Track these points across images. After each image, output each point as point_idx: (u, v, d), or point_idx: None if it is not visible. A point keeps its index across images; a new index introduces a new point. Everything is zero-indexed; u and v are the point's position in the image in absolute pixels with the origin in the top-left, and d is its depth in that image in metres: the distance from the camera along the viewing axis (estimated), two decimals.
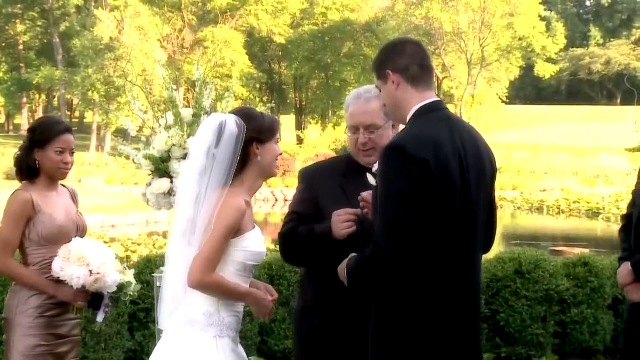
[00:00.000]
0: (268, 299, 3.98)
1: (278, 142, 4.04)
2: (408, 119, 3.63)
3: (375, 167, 3.76)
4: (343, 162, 4.35)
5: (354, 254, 3.67)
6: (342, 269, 3.70)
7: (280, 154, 4.05)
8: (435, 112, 3.64)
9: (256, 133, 3.91)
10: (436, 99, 3.69)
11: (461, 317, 3.60)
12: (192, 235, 3.86)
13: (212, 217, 3.81)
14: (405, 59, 3.65)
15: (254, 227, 3.95)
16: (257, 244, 3.93)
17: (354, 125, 4.17)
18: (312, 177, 4.33)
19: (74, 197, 4.95)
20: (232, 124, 3.88)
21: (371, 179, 3.84)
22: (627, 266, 5.06)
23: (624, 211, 5.48)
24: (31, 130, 4.82)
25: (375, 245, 3.47)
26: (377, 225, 3.50)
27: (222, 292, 3.85)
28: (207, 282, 3.80)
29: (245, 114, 3.95)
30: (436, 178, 3.44)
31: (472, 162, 3.62)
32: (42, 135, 4.73)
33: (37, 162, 4.72)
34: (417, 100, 3.63)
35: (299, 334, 4.34)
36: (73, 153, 4.81)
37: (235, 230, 3.83)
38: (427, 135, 3.52)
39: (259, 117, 3.98)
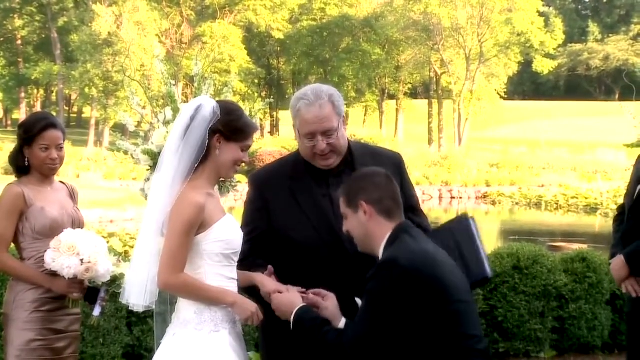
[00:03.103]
0: (252, 303, 3.83)
1: (245, 150, 3.87)
2: (382, 246, 3.66)
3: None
4: (290, 162, 4.22)
5: (304, 305, 3.73)
6: (288, 313, 3.74)
7: (242, 162, 3.88)
8: (408, 232, 3.67)
9: (223, 126, 3.78)
10: (401, 221, 3.73)
11: None
12: (162, 225, 3.79)
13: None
14: (379, 192, 3.69)
15: (224, 215, 3.84)
16: (229, 231, 3.81)
17: (311, 132, 3.99)
18: (261, 183, 4.20)
19: (72, 194, 4.95)
20: (208, 108, 3.79)
21: (359, 302, 3.83)
22: (620, 258, 5.08)
23: None
24: (19, 128, 4.84)
25: (340, 340, 3.54)
26: (354, 323, 3.57)
27: (192, 293, 3.76)
28: (172, 282, 3.72)
29: (225, 107, 3.86)
30: (438, 293, 3.48)
31: (458, 272, 3.71)
32: (26, 133, 4.74)
33: (26, 160, 4.74)
34: (388, 230, 3.67)
35: (263, 331, 4.28)
36: (61, 148, 4.78)
37: (197, 226, 3.72)
38: (419, 250, 3.57)
39: (235, 114, 3.85)
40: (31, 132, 4.72)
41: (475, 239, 4.03)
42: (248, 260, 4.04)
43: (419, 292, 3.44)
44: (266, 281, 3.91)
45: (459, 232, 4.07)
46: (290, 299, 3.78)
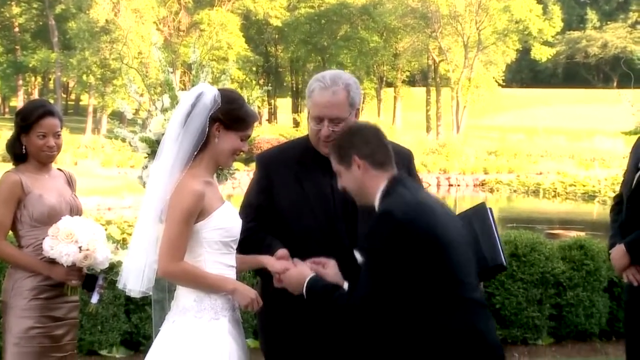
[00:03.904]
0: (252, 290, 3.84)
1: (245, 139, 3.87)
2: (377, 198, 3.68)
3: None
4: (299, 147, 4.21)
5: (314, 275, 3.75)
6: (300, 286, 3.75)
7: (241, 151, 3.88)
8: (402, 183, 3.69)
9: (223, 115, 3.77)
10: (394, 172, 3.74)
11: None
12: (160, 213, 3.79)
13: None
14: (371, 145, 3.71)
15: (223, 203, 3.83)
16: (228, 219, 3.81)
17: (319, 116, 4.00)
18: (268, 164, 4.20)
19: (70, 181, 4.95)
20: (210, 96, 3.78)
21: (358, 256, 3.80)
22: (621, 247, 5.04)
23: None
24: (16, 115, 4.83)
25: (349, 302, 3.57)
26: (358, 283, 3.57)
27: (192, 281, 3.76)
28: (172, 270, 3.72)
29: (226, 95, 3.84)
30: (431, 242, 3.50)
31: (456, 222, 3.72)
32: (24, 120, 4.73)
33: (23, 147, 4.73)
34: (382, 180, 3.69)
35: (261, 318, 4.28)
36: (59, 136, 4.77)
37: (197, 214, 3.72)
38: (413, 201, 3.59)
39: (236, 103, 3.84)
40: (28, 119, 4.71)
41: (492, 228, 4.06)
42: (254, 236, 4.04)
43: (414, 243, 3.47)
44: (272, 262, 3.92)
45: (476, 219, 4.11)
46: (299, 271, 3.81)
